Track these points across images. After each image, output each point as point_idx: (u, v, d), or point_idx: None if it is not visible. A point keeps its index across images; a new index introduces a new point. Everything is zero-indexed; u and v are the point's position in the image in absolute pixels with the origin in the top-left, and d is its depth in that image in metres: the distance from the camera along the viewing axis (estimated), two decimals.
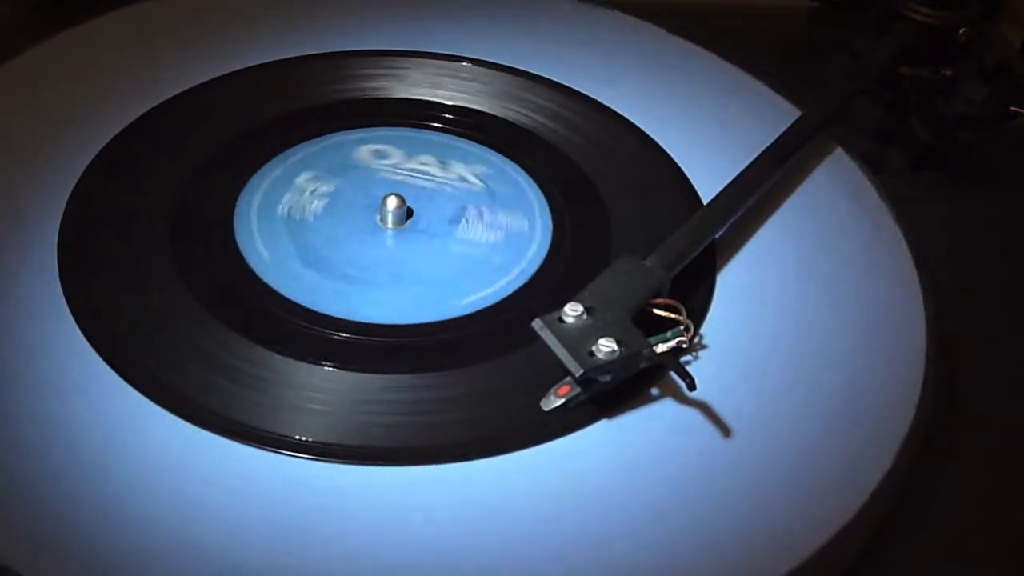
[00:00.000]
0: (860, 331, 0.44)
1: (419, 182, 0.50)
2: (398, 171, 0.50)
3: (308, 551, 0.34)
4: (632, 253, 0.42)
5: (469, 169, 0.51)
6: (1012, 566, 0.42)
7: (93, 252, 0.44)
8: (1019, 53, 0.63)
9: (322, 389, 0.40)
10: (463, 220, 0.48)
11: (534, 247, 0.47)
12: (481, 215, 0.48)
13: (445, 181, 0.50)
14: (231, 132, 0.51)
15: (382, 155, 0.51)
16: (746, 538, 0.36)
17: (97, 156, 0.49)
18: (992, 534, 0.42)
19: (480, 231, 0.48)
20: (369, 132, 0.52)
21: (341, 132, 0.52)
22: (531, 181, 0.51)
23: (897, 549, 0.41)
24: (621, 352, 0.37)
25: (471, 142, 0.52)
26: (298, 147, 0.51)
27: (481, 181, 0.50)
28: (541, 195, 0.50)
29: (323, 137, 0.52)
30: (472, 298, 0.44)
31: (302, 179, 0.49)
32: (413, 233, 0.47)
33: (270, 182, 0.49)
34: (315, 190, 0.49)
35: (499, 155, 0.52)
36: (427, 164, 0.51)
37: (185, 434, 0.38)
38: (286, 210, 0.48)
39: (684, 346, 0.40)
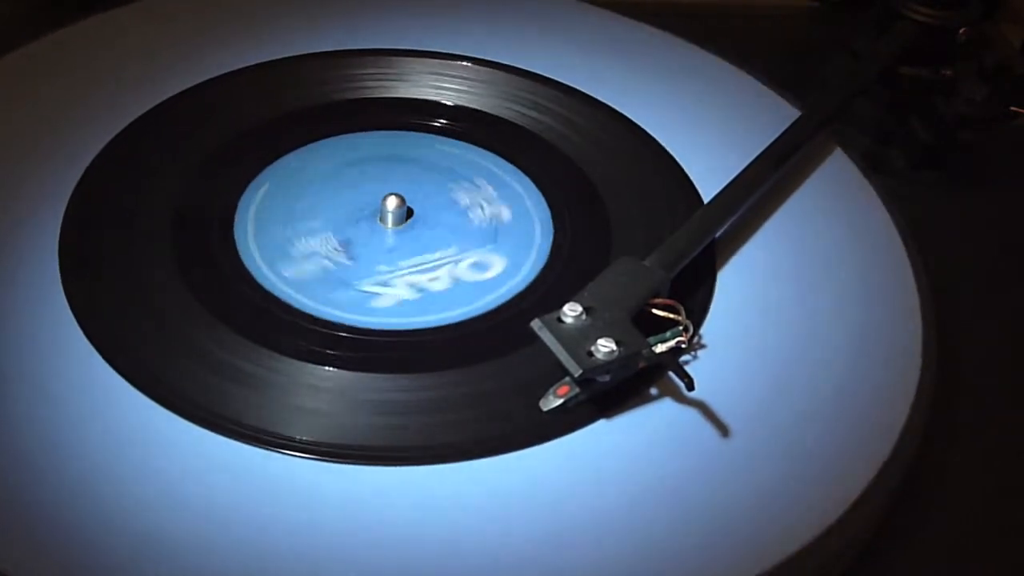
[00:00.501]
0: (859, 331, 0.44)
1: (419, 182, 0.50)
2: (398, 171, 0.50)
3: (308, 551, 0.34)
4: (632, 253, 0.42)
5: (469, 169, 0.51)
6: (1012, 566, 0.42)
7: (94, 252, 0.44)
8: (1019, 53, 0.63)
9: (322, 389, 0.40)
10: (463, 220, 0.48)
11: (534, 247, 0.47)
12: (481, 215, 0.48)
13: (445, 181, 0.50)
14: (231, 132, 0.51)
15: (383, 155, 0.51)
16: (744, 537, 0.36)
17: (98, 156, 0.49)
18: (992, 534, 0.42)
19: (480, 231, 0.48)
20: (369, 132, 0.52)
21: (341, 132, 0.52)
22: (531, 181, 0.50)
23: (897, 549, 0.41)
24: (620, 352, 0.37)
25: (471, 142, 0.52)
26: (298, 148, 0.51)
27: (481, 181, 0.50)
28: (541, 195, 0.50)
29: (323, 137, 0.52)
30: (472, 299, 0.44)
31: (302, 179, 0.49)
32: (413, 233, 0.47)
33: (270, 182, 0.49)
34: (316, 191, 0.49)
35: (499, 155, 0.52)
36: (430, 165, 0.51)
37: (185, 434, 0.38)
38: (287, 211, 0.48)
39: (683, 346, 0.40)
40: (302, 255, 0.45)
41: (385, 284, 0.45)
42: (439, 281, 0.45)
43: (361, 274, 0.45)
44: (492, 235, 0.47)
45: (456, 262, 0.46)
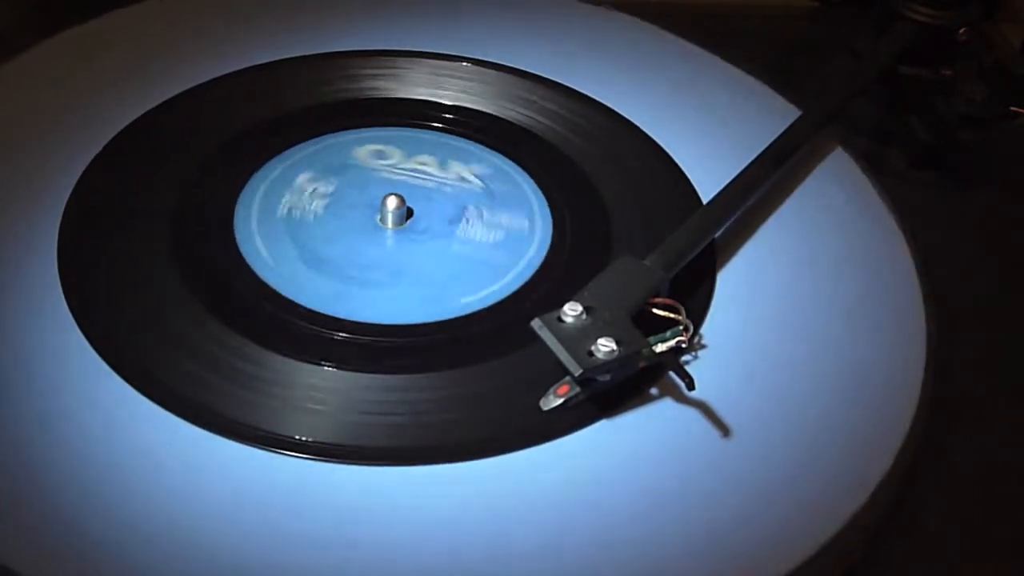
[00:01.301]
0: (859, 331, 0.44)
1: (419, 182, 0.50)
2: (398, 171, 0.50)
3: (308, 551, 0.34)
4: (632, 253, 0.42)
5: (469, 169, 0.51)
6: (1012, 566, 0.42)
7: (93, 252, 0.44)
8: (1019, 53, 0.63)
9: (322, 389, 0.40)
10: (463, 220, 0.48)
11: (534, 247, 0.47)
12: (481, 215, 0.48)
13: (445, 181, 0.50)
14: (231, 132, 0.51)
15: (382, 155, 0.51)
16: (745, 537, 0.36)
17: (97, 156, 0.49)
18: (992, 534, 0.42)
19: (480, 231, 0.48)
20: (369, 132, 0.52)
21: (341, 132, 0.52)
22: (531, 181, 0.51)
23: (897, 549, 0.41)
24: (620, 352, 0.37)
25: (471, 142, 0.52)
26: (298, 147, 0.51)
27: (481, 181, 0.50)
28: (541, 195, 0.50)
29: (323, 137, 0.52)
30: (472, 298, 0.44)
31: (302, 179, 0.49)
32: (413, 233, 0.47)
33: (270, 182, 0.49)
34: (315, 190, 0.49)
35: (499, 155, 0.52)
36: (427, 164, 0.51)
37: (185, 434, 0.38)
38: (286, 210, 0.48)
39: (683, 346, 0.40)
40: (302, 255, 0.45)
41: (385, 284, 0.44)
42: (439, 281, 0.45)
43: (361, 274, 0.45)
44: (492, 235, 0.47)
45: (456, 262, 0.46)
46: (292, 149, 0.51)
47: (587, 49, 0.58)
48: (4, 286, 0.42)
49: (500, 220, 0.48)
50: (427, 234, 0.47)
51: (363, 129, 0.52)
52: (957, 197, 0.57)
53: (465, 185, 0.50)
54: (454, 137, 0.53)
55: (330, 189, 0.49)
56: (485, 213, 0.48)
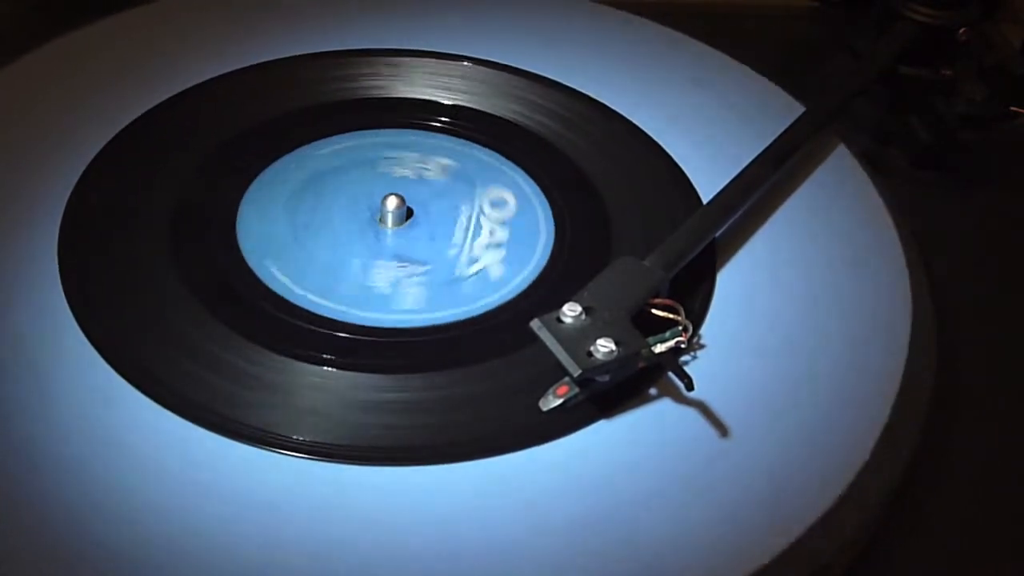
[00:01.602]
0: (859, 331, 0.44)
1: (421, 182, 0.50)
2: (401, 171, 0.50)
3: (308, 551, 0.35)
4: (632, 253, 0.42)
5: (469, 169, 0.51)
6: (1012, 566, 0.42)
7: (93, 252, 0.44)
8: (1019, 53, 0.63)
9: (322, 389, 0.40)
10: (463, 220, 0.48)
11: (534, 247, 0.47)
12: (482, 215, 0.48)
13: (446, 181, 0.50)
14: (231, 132, 0.51)
15: (383, 155, 0.51)
16: (745, 537, 0.36)
17: (97, 156, 0.49)
18: (992, 534, 0.42)
19: (480, 231, 0.48)
20: (369, 132, 0.52)
21: (341, 132, 0.52)
22: (531, 181, 0.51)
23: (897, 549, 0.41)
24: (619, 352, 0.37)
25: (471, 142, 0.52)
26: (298, 148, 0.51)
27: (483, 182, 0.50)
28: (541, 195, 0.50)
29: (323, 138, 0.52)
30: (471, 298, 0.44)
31: (302, 180, 0.49)
32: (414, 233, 0.47)
33: (271, 182, 0.49)
34: (316, 191, 0.49)
35: (499, 155, 0.52)
36: (430, 165, 0.51)
37: (185, 434, 0.38)
38: (287, 210, 0.48)
39: (682, 346, 0.40)
40: (303, 255, 0.45)
41: (385, 284, 0.44)
42: (439, 281, 0.45)
43: (361, 274, 0.45)
44: (492, 235, 0.47)
45: (456, 262, 0.46)
46: (292, 150, 0.51)
47: (587, 49, 0.58)
48: (4, 286, 0.42)
49: (500, 220, 0.48)
50: (427, 234, 0.47)
51: (364, 129, 0.52)
52: (957, 197, 0.57)
53: (466, 186, 0.50)
54: (454, 137, 0.53)
55: (330, 190, 0.49)
56: (486, 214, 0.49)
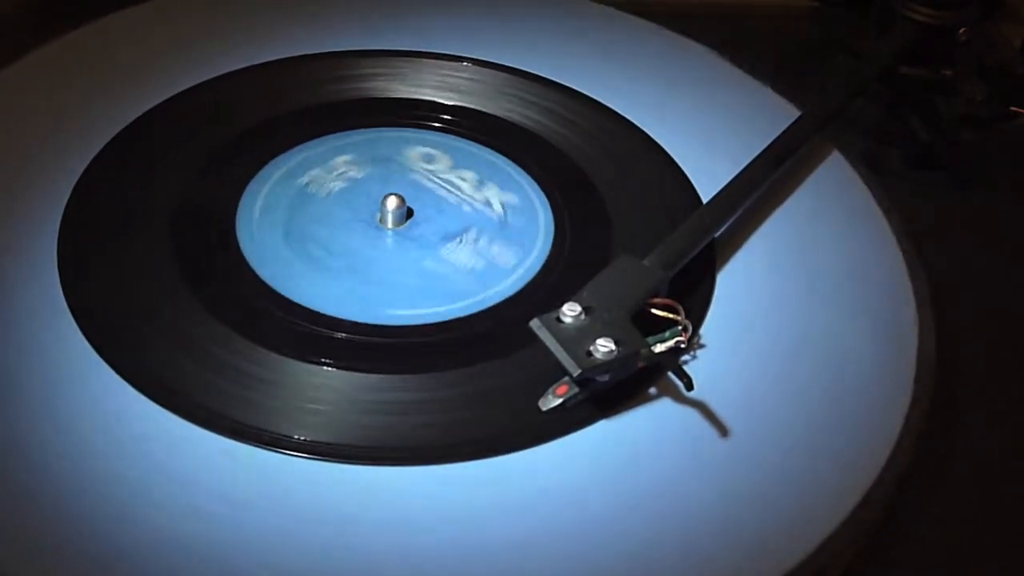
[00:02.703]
0: (858, 330, 0.44)
1: (419, 182, 0.50)
2: (401, 171, 0.50)
3: (308, 551, 0.35)
4: (632, 253, 0.42)
5: (469, 169, 0.51)
6: (1012, 566, 0.42)
7: (93, 252, 0.44)
8: (1019, 53, 0.63)
9: (322, 389, 0.40)
10: (464, 218, 0.48)
11: (534, 247, 0.47)
12: (480, 215, 0.48)
13: (445, 181, 0.50)
14: (231, 132, 0.51)
15: (383, 155, 0.51)
16: (743, 537, 0.36)
17: (97, 156, 0.49)
18: (992, 534, 0.42)
19: (480, 230, 0.48)
20: (369, 132, 0.52)
21: (341, 132, 0.52)
22: (531, 181, 0.51)
23: (897, 549, 0.41)
24: (619, 352, 0.37)
25: (471, 142, 0.52)
26: (298, 148, 0.51)
27: (481, 182, 0.50)
28: (541, 195, 0.50)
29: (323, 138, 0.52)
30: (471, 298, 0.44)
31: (303, 180, 0.49)
32: (415, 233, 0.47)
33: (271, 182, 0.49)
34: (316, 191, 0.49)
35: (499, 155, 0.52)
36: (430, 165, 0.51)
37: (185, 434, 0.38)
38: (287, 211, 0.48)
39: (682, 346, 0.40)
40: (303, 255, 0.45)
41: (386, 284, 0.45)
42: (439, 281, 0.45)
43: (362, 274, 0.45)
44: (492, 235, 0.47)
45: (456, 261, 0.46)
46: (292, 150, 0.51)
47: (587, 49, 0.58)
48: (4, 286, 0.42)
49: (500, 220, 0.48)
50: (429, 234, 0.47)
51: (363, 129, 0.52)
52: (957, 197, 0.57)
53: (465, 185, 0.50)
54: (454, 137, 0.53)
55: (331, 190, 0.49)
56: (485, 212, 0.49)
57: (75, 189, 0.47)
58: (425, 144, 0.52)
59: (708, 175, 0.50)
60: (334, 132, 0.52)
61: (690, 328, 0.41)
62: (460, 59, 0.56)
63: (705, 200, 0.48)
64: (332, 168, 0.50)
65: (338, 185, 0.49)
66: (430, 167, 0.51)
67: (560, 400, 0.39)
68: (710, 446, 0.39)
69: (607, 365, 0.37)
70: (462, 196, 0.49)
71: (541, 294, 0.45)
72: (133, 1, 0.58)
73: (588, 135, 0.53)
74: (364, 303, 0.44)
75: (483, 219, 0.48)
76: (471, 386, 0.41)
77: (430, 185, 0.50)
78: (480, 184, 0.50)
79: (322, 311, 0.43)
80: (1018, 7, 0.67)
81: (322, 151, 0.51)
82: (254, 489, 0.36)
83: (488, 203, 0.49)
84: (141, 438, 0.37)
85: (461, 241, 0.47)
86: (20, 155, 0.48)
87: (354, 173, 0.50)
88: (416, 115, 0.54)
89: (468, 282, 0.45)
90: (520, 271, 0.46)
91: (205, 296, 0.43)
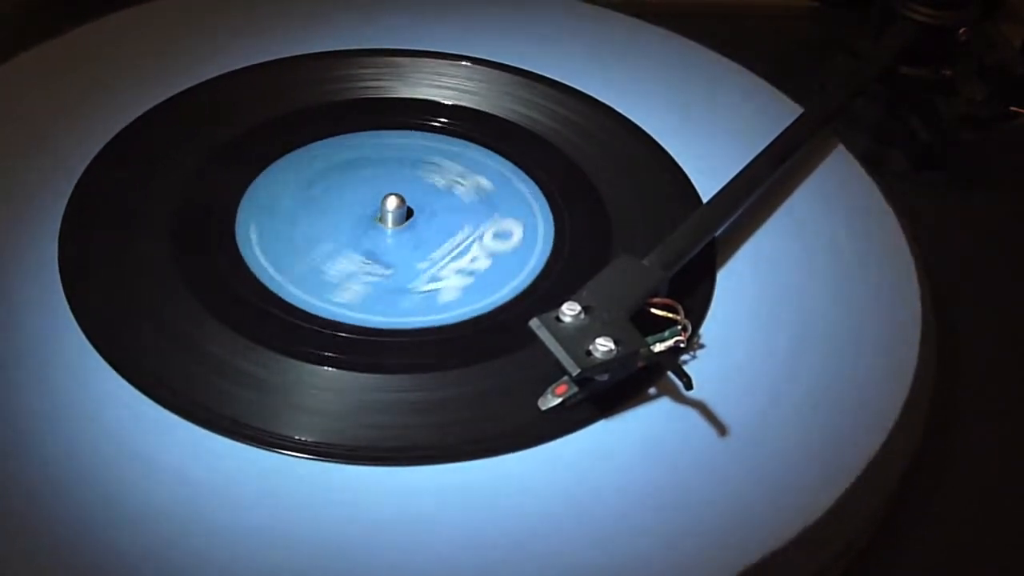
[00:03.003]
0: (858, 330, 0.44)
1: (419, 182, 0.50)
2: (401, 171, 0.50)
3: (308, 551, 0.35)
4: (632, 253, 0.42)
5: (469, 169, 0.51)
6: (1012, 566, 0.42)
7: (93, 251, 0.44)
8: (1019, 53, 0.63)
9: (322, 389, 0.40)
10: (463, 219, 0.48)
11: (534, 247, 0.47)
12: (482, 214, 0.48)
13: (445, 181, 0.50)
14: (232, 132, 0.51)
15: (383, 155, 0.51)
16: (744, 537, 0.36)
17: (97, 156, 0.49)
18: (992, 534, 0.42)
19: (480, 231, 0.48)
20: (369, 132, 0.52)
21: (341, 132, 0.52)
22: (531, 181, 0.51)
23: (897, 549, 0.41)
24: (618, 351, 0.37)
25: (471, 142, 0.52)
26: (299, 148, 0.51)
27: (481, 182, 0.50)
28: (541, 195, 0.50)
29: (323, 137, 0.52)
30: (471, 299, 0.44)
31: (302, 180, 0.49)
32: (415, 234, 0.47)
33: (271, 182, 0.49)
34: (316, 191, 0.49)
35: (499, 155, 0.52)
36: (426, 164, 0.51)
37: (185, 434, 0.38)
38: (287, 211, 0.48)
39: (681, 346, 0.40)
40: (303, 256, 0.46)
41: (386, 284, 0.45)
42: (479, 260, 0.45)
43: (362, 274, 0.45)
44: (492, 235, 0.47)
45: (479, 237, 0.46)
46: (293, 150, 0.51)
47: (587, 49, 0.58)
48: (4, 286, 0.42)
49: (500, 219, 0.48)
50: (429, 234, 0.47)
51: (363, 130, 0.52)
52: (957, 197, 0.57)
53: (465, 185, 0.50)
54: (454, 137, 0.53)
55: (331, 190, 0.49)
56: (485, 214, 0.49)
57: (75, 189, 0.47)
58: (425, 144, 0.52)
59: (708, 175, 0.50)
60: (334, 132, 0.52)
61: (689, 328, 0.41)
62: (460, 59, 0.56)
63: (705, 200, 0.48)
64: (331, 168, 0.50)
65: (338, 185, 0.49)
66: (430, 167, 0.51)
67: (560, 400, 0.39)
68: (710, 446, 0.39)
69: (606, 365, 0.37)
70: (461, 196, 0.49)
71: (541, 294, 0.45)
72: (133, 1, 0.58)
73: (588, 135, 0.53)
74: (364, 303, 0.44)
75: (482, 219, 0.48)
76: (471, 386, 0.41)
77: (430, 185, 0.50)
78: (479, 184, 0.50)
79: (322, 311, 0.43)
80: (1018, 7, 0.67)
81: (322, 151, 0.51)
82: (254, 489, 0.36)
83: (488, 203, 0.49)
84: (141, 438, 0.37)
85: (461, 241, 0.47)
86: (20, 155, 0.48)
87: (354, 173, 0.50)
88: (416, 115, 0.54)
89: (468, 282, 0.45)
90: (520, 271, 0.46)
91: (205, 296, 0.43)
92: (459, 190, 0.50)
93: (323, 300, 0.44)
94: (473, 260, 0.46)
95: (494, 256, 0.46)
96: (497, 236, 0.47)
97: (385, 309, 0.43)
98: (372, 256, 0.46)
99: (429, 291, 0.44)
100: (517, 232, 0.48)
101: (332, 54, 0.56)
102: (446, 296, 0.44)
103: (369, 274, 0.45)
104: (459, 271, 0.46)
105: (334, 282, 0.44)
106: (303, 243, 0.46)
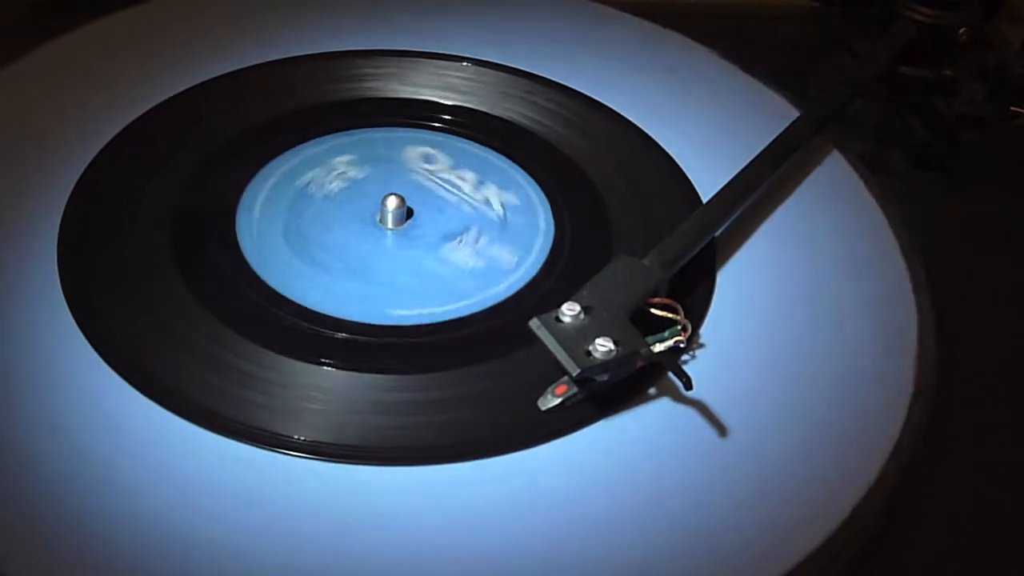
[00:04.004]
0: (858, 331, 0.44)
1: (419, 182, 0.50)
2: (401, 171, 0.50)
3: (308, 551, 0.35)
4: (632, 253, 0.42)
5: (469, 169, 0.51)
6: (1012, 566, 0.42)
7: (93, 252, 0.44)
8: (1019, 53, 0.63)
9: (322, 389, 0.40)
10: (463, 220, 0.48)
11: (534, 247, 0.47)
12: (481, 215, 0.48)
13: (445, 181, 0.50)
14: (231, 132, 0.51)
15: (383, 155, 0.51)
16: (743, 536, 0.36)
17: (97, 156, 0.49)
18: (992, 534, 0.42)
19: (480, 230, 0.48)
20: (369, 132, 0.52)
21: (341, 133, 0.52)
22: (531, 181, 0.51)
23: (897, 549, 0.41)
24: (618, 351, 0.37)
25: (471, 142, 0.52)
26: (298, 148, 0.51)
27: (481, 182, 0.50)
28: (541, 195, 0.50)
29: (323, 138, 0.52)
30: (471, 298, 0.44)
31: (302, 181, 0.49)
32: (415, 234, 0.47)
33: (271, 182, 0.49)
34: (316, 191, 0.49)
35: (499, 155, 0.52)
36: (429, 164, 0.51)
37: (185, 434, 0.38)
38: (287, 211, 0.48)
39: (681, 346, 0.40)
40: (303, 256, 0.46)
41: (386, 284, 0.45)
42: (439, 281, 0.45)
43: (362, 274, 0.45)
44: (492, 235, 0.48)
45: (456, 261, 0.46)
46: (293, 150, 0.51)
47: (587, 49, 0.58)
48: (4, 286, 0.42)
49: (500, 220, 0.48)
50: (429, 234, 0.47)
51: (361, 130, 0.53)
52: (957, 197, 0.57)
53: (465, 185, 0.50)
54: (454, 137, 0.53)
55: (332, 190, 0.49)
56: (485, 213, 0.49)
57: (75, 189, 0.47)
58: (425, 144, 0.52)
59: (708, 175, 0.50)
60: (334, 132, 0.52)
61: (689, 328, 0.41)
62: (460, 59, 0.56)
63: (705, 200, 0.48)
64: (332, 168, 0.50)
65: (338, 185, 0.49)
66: (430, 167, 0.51)
67: (559, 400, 0.39)
68: (709, 446, 0.39)
69: (606, 365, 0.37)
70: (462, 196, 0.49)
71: (541, 294, 0.45)
72: (133, 1, 0.58)
73: (588, 135, 0.53)
74: (364, 303, 0.44)
75: (483, 219, 0.48)
76: (471, 386, 0.41)
77: (430, 185, 0.50)
78: (480, 184, 0.50)
79: (322, 311, 0.43)
80: (1018, 7, 0.67)
81: (322, 151, 0.51)
82: (254, 489, 0.36)
83: (488, 203, 0.49)
84: (141, 438, 0.37)
85: (461, 241, 0.47)
86: (20, 155, 0.48)
87: (354, 173, 0.50)
88: (416, 115, 0.54)
89: (468, 282, 0.45)
90: (520, 271, 0.46)
91: (205, 296, 0.43)
92: (459, 190, 0.50)
93: (323, 300, 0.43)
94: (473, 260, 0.46)
95: (493, 256, 0.46)
96: (496, 236, 0.47)
97: (385, 309, 0.43)
98: (372, 256, 0.46)
99: (429, 291, 0.44)
100: (517, 232, 0.48)
101: (332, 54, 0.56)
102: (446, 296, 0.44)
103: (370, 274, 0.45)
104: (459, 271, 0.46)
105: (335, 282, 0.44)
106: (303, 243, 0.46)
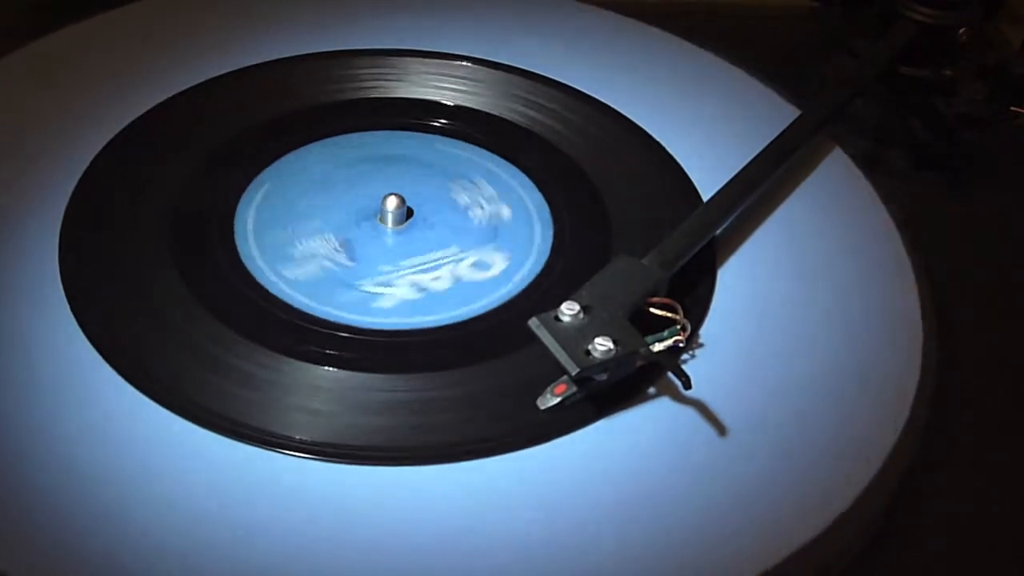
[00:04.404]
0: (858, 330, 0.44)
1: (419, 182, 0.50)
2: (399, 170, 0.50)
3: (308, 551, 0.35)
4: (632, 253, 0.42)
5: (469, 169, 0.51)
6: (1012, 566, 0.42)
7: (93, 252, 0.44)
8: (1019, 53, 0.63)
9: (322, 389, 0.40)
10: (463, 220, 0.48)
11: (534, 247, 0.47)
12: (481, 215, 0.48)
13: (445, 181, 0.50)
14: (231, 132, 0.51)
15: (384, 155, 0.51)
16: (743, 537, 0.36)
17: (98, 156, 0.49)
18: (992, 535, 0.42)
19: (480, 230, 0.48)
20: (369, 132, 0.52)
21: (341, 132, 0.52)
22: (531, 181, 0.51)
23: (897, 549, 0.41)
24: (617, 351, 0.37)
25: (471, 142, 0.52)
26: (299, 148, 0.51)
27: (481, 181, 0.50)
28: (541, 195, 0.50)
29: (323, 137, 0.52)
30: (471, 299, 0.44)
31: (303, 181, 0.49)
32: (413, 233, 0.47)
33: (270, 182, 0.49)
34: (316, 192, 0.49)
35: (499, 155, 0.52)
36: (427, 164, 0.51)
37: (185, 434, 0.38)
38: (287, 211, 0.48)
39: (680, 345, 0.40)
40: (303, 256, 0.46)
41: (387, 284, 0.45)
42: (441, 280, 0.45)
43: (362, 274, 0.45)
44: (492, 235, 0.48)
45: (457, 261, 0.46)
46: (293, 150, 0.51)
47: (587, 49, 0.58)
48: (4, 286, 0.42)
49: (500, 220, 0.48)
50: (428, 233, 0.47)
51: (363, 129, 0.53)
52: (957, 197, 0.57)
53: (465, 185, 0.50)
54: (454, 137, 0.53)
55: (332, 190, 0.49)
56: (485, 213, 0.49)
57: (75, 189, 0.47)
58: (425, 144, 0.52)
59: (708, 175, 0.50)
60: (333, 132, 0.52)
61: (688, 327, 0.41)
62: (460, 59, 0.56)
63: (705, 200, 0.48)
64: (333, 168, 0.50)
65: (338, 185, 0.49)
66: (430, 168, 0.51)
67: (559, 399, 0.39)
68: (709, 445, 0.39)
69: (605, 364, 0.37)
70: (462, 196, 0.49)
71: (540, 294, 0.45)
72: (132, 1, 0.58)
73: (588, 135, 0.53)
74: (364, 303, 0.44)
75: (483, 218, 0.48)
76: (471, 386, 0.41)
77: (430, 185, 0.50)
78: (480, 184, 0.50)
79: (322, 311, 0.43)
80: (1018, 7, 0.67)
81: (322, 151, 0.51)
82: (254, 489, 0.36)
83: (488, 202, 0.49)
84: (141, 438, 0.37)
85: (461, 241, 0.47)
86: (20, 155, 0.48)
87: (355, 173, 0.50)
88: (416, 115, 0.54)
89: (468, 282, 0.45)
90: (520, 271, 0.46)
91: (205, 296, 0.43)
92: (459, 190, 0.50)
93: (323, 300, 0.43)
94: (473, 260, 0.46)
95: (493, 257, 0.46)
96: (496, 236, 0.47)
97: (385, 309, 0.43)
98: (373, 256, 0.46)
99: (429, 291, 0.44)
100: (517, 232, 0.48)
101: (332, 54, 0.56)
102: (446, 296, 0.44)
103: (370, 274, 0.45)
104: (459, 271, 0.46)
105: (335, 282, 0.44)
106: (302, 243, 0.46)
